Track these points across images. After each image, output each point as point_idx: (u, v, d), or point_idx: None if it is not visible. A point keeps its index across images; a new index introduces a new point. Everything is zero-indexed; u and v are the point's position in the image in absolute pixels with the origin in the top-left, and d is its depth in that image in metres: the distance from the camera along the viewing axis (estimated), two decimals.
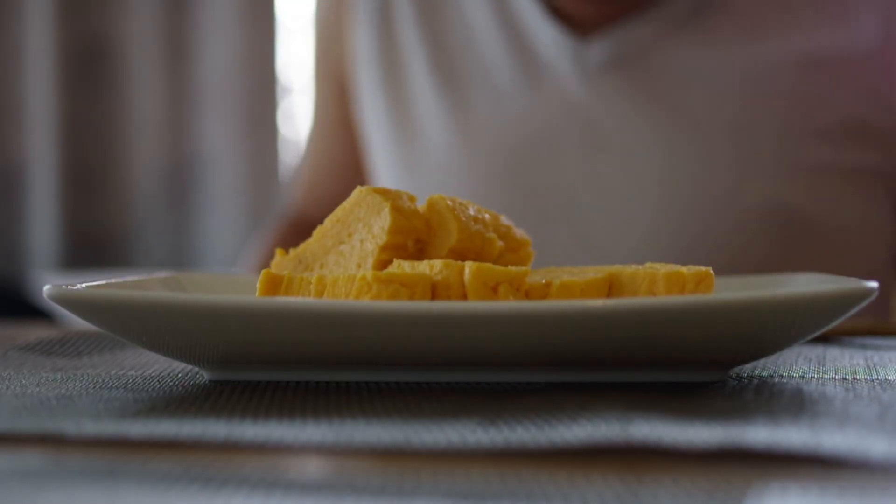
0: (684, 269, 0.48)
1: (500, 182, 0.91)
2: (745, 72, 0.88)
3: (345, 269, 0.52)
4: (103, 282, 0.51)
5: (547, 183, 0.90)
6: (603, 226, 0.88)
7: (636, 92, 0.89)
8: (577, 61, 0.90)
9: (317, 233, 0.53)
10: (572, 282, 0.48)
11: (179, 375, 0.50)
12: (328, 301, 0.47)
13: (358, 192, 0.53)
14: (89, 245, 2.24)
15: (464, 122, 0.94)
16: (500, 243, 0.53)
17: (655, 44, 0.89)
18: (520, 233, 0.55)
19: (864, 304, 0.46)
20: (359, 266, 0.51)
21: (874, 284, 0.46)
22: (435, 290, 0.47)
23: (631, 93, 0.89)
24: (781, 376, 0.49)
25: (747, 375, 0.49)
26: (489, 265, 0.47)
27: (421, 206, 0.53)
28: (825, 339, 0.61)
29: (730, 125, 0.87)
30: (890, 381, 0.48)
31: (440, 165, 0.94)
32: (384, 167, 0.99)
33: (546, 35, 0.91)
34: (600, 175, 0.89)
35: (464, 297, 0.47)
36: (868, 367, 0.52)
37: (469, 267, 0.47)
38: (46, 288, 0.47)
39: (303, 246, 0.54)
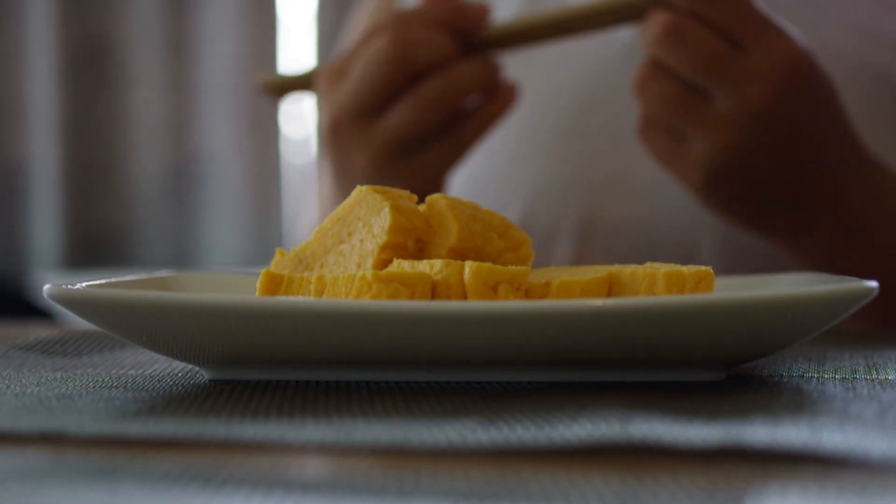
0: (684, 269, 0.48)
1: (555, 147, 0.91)
2: (808, 41, 0.88)
3: (345, 269, 0.52)
4: (103, 281, 0.51)
5: (602, 148, 0.90)
6: (659, 188, 0.87)
7: None
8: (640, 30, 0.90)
9: (317, 232, 0.54)
10: (572, 281, 0.48)
11: (179, 375, 0.50)
12: (328, 301, 0.47)
13: (358, 191, 0.53)
14: (90, 244, 2.24)
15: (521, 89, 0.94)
16: (499, 242, 0.53)
17: None
18: (520, 232, 0.55)
19: (863, 303, 0.46)
20: (359, 265, 0.51)
21: (874, 284, 0.46)
22: (435, 290, 0.47)
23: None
24: (781, 376, 0.49)
25: (747, 375, 0.49)
26: (489, 265, 0.47)
27: (421, 205, 0.53)
28: (825, 339, 0.61)
29: None
30: (890, 380, 0.48)
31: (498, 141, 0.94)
32: None
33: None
34: None
35: (464, 296, 0.47)
36: (868, 366, 0.52)
37: (469, 266, 0.47)
38: (46, 287, 0.47)
39: (303, 245, 0.54)
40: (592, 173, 0.90)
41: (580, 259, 0.88)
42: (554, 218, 0.89)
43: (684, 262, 0.85)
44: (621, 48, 0.90)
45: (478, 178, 0.93)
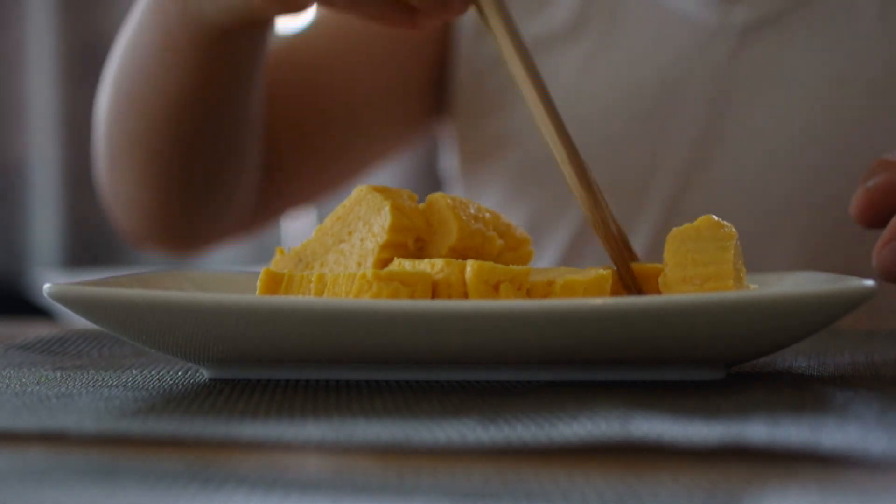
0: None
1: (633, 137, 0.88)
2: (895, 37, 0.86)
3: (345, 268, 0.52)
4: (103, 280, 0.51)
5: (682, 139, 0.88)
6: (728, 186, 0.85)
7: (780, 52, 0.87)
8: (722, 21, 0.87)
9: (317, 231, 0.54)
10: (575, 280, 0.48)
11: (179, 374, 0.50)
12: (328, 299, 0.47)
13: (358, 190, 0.53)
14: (90, 243, 2.24)
15: (594, 72, 0.90)
16: (500, 242, 0.53)
17: (801, 5, 0.88)
18: (520, 231, 0.55)
19: (864, 303, 0.46)
20: (359, 264, 0.51)
21: (874, 284, 0.46)
22: (436, 289, 0.47)
23: (775, 53, 0.87)
24: (781, 375, 0.49)
25: (747, 374, 0.49)
26: (491, 264, 0.47)
27: (421, 204, 0.53)
28: (825, 339, 0.60)
29: (878, 91, 0.84)
30: (890, 380, 0.48)
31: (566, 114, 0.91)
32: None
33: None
34: (729, 134, 0.86)
35: (465, 295, 0.47)
36: (868, 366, 0.52)
37: (471, 265, 0.47)
38: (46, 286, 0.47)
39: (303, 244, 0.54)
40: (671, 164, 0.88)
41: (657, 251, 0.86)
42: (632, 208, 0.87)
43: (761, 258, 0.82)
44: (703, 35, 0.88)
45: (550, 165, 0.91)
